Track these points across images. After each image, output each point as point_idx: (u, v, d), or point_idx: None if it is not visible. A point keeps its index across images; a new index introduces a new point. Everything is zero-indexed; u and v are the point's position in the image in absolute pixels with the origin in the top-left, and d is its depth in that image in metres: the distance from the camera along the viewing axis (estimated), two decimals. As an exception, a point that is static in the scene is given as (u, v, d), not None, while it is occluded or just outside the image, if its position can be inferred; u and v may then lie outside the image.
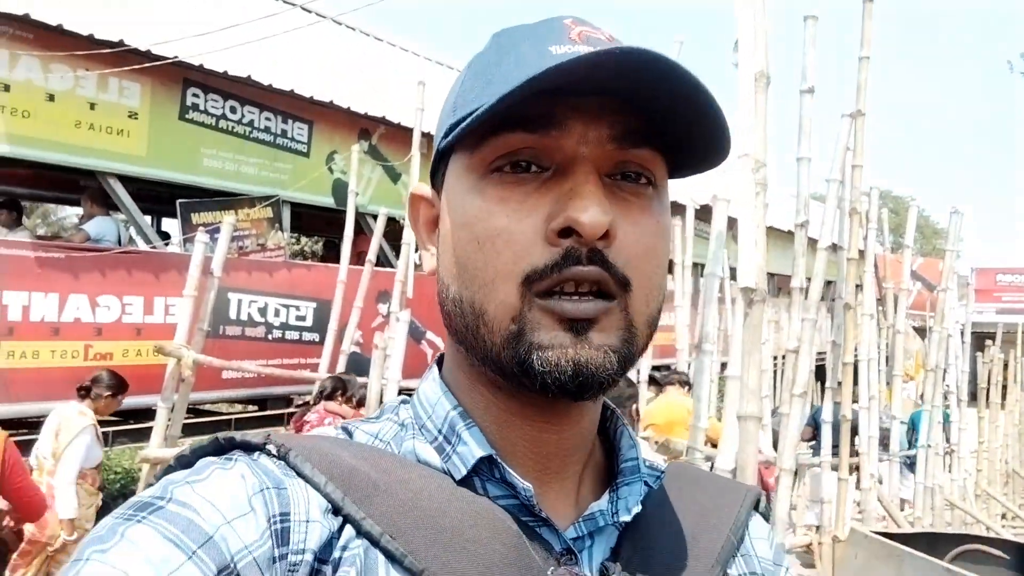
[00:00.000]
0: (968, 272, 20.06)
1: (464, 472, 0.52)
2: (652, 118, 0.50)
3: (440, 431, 0.55)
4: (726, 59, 2.28)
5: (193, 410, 6.92)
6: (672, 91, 0.48)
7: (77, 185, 7.19)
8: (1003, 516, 7.87)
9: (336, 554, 0.47)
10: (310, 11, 8.22)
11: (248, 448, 0.51)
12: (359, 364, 5.56)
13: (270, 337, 7.19)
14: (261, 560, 0.44)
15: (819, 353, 5.68)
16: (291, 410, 7.02)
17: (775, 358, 7.77)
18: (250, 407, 8.16)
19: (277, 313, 7.28)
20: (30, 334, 5.62)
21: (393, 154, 8.14)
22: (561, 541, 0.53)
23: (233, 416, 8.00)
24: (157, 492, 0.46)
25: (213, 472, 0.47)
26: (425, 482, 0.51)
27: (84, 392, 4.35)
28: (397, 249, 8.21)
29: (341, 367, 5.62)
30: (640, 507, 0.56)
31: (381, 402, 4.02)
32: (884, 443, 6.21)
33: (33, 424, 5.36)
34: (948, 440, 6.93)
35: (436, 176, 0.58)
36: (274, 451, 0.50)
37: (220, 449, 0.51)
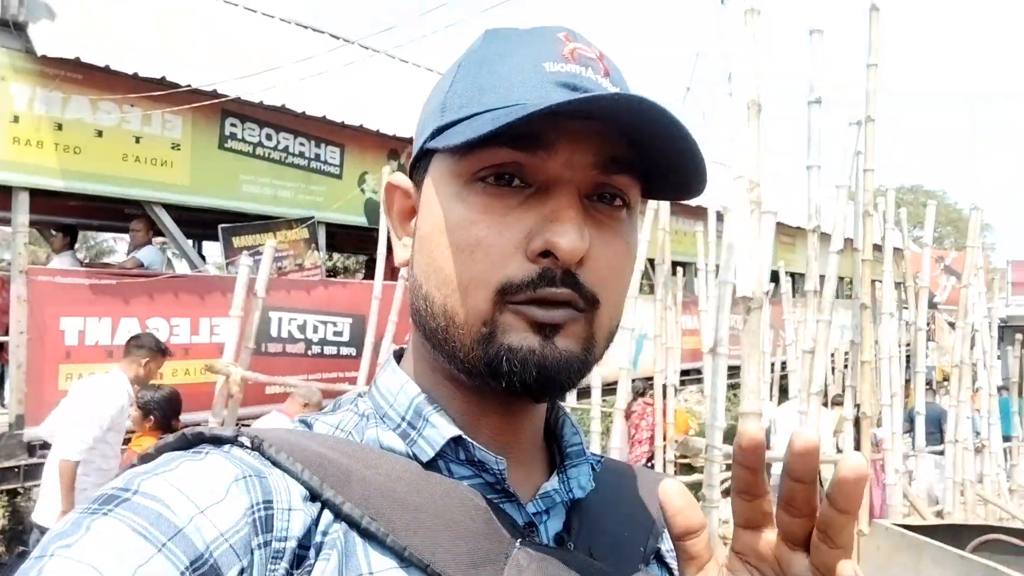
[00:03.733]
0: (1005, 265, 19.73)
1: (431, 454, 0.54)
2: (633, 146, 0.52)
3: (404, 418, 0.56)
4: (721, 88, 2.48)
5: (240, 426, 7.19)
6: (656, 132, 0.50)
7: (123, 214, 7.57)
8: (1038, 510, 7.83)
9: (317, 539, 0.48)
10: (366, 47, 8.51)
11: (218, 442, 0.50)
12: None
13: (309, 353, 7.42)
14: (238, 546, 0.44)
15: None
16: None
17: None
18: (293, 421, 8.42)
19: (316, 329, 7.49)
20: (86, 357, 5.95)
21: (421, 173, 8.38)
22: (524, 515, 0.55)
23: (277, 430, 8.26)
24: (121, 484, 0.45)
25: (183, 463, 0.47)
26: (394, 466, 0.52)
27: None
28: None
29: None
30: (593, 485, 0.60)
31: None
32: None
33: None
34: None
35: (415, 170, 0.59)
36: (247, 443, 0.50)
37: (187, 444, 0.51)
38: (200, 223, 8.37)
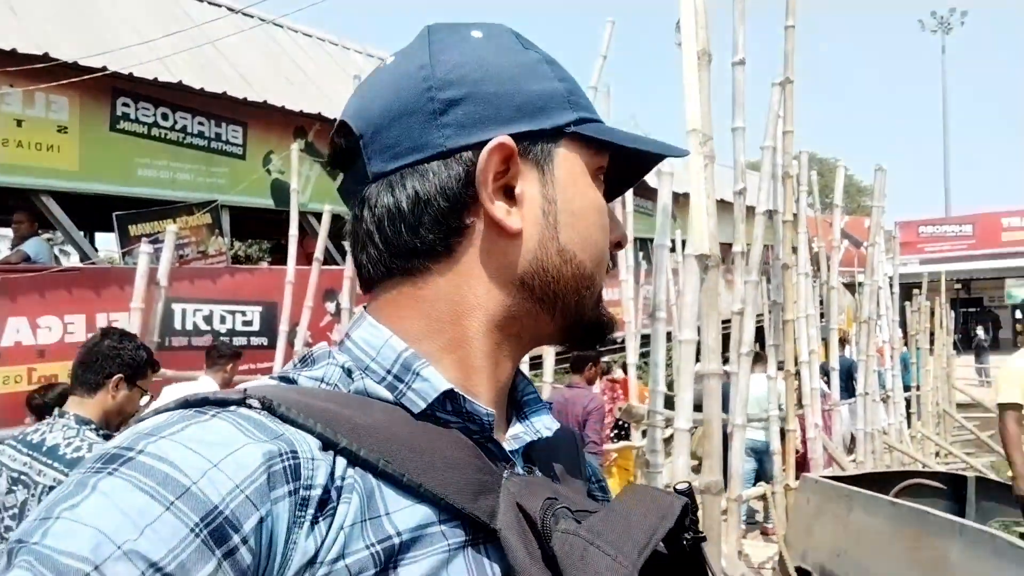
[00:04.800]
0: (892, 226, 20.92)
1: (423, 405, 0.56)
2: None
3: (389, 371, 0.57)
4: (669, 38, 2.42)
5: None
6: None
7: (5, 205, 6.97)
8: (936, 454, 8.34)
9: (337, 484, 0.49)
10: (251, 15, 8.09)
11: (224, 404, 0.50)
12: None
13: (218, 345, 7.13)
14: (255, 496, 0.44)
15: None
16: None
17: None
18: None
19: (223, 320, 7.20)
20: (-28, 361, 5.48)
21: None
22: (502, 454, 0.60)
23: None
24: (126, 443, 0.46)
25: (189, 426, 0.47)
26: (389, 414, 0.55)
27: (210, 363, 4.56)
28: (339, 247, 8.24)
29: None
30: (557, 424, 0.67)
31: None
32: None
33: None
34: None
35: (536, 145, 0.60)
36: (256, 404, 0.51)
37: (188, 408, 0.51)
38: (92, 211, 7.84)
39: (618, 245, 0.67)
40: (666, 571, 0.52)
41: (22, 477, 1.94)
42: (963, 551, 3.05)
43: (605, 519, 0.51)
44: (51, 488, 1.92)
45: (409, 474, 0.51)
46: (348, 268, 5.58)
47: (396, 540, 0.49)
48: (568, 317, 0.63)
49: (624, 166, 0.68)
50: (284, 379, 0.59)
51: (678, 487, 0.58)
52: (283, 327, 5.95)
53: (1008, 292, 26.90)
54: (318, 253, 5.86)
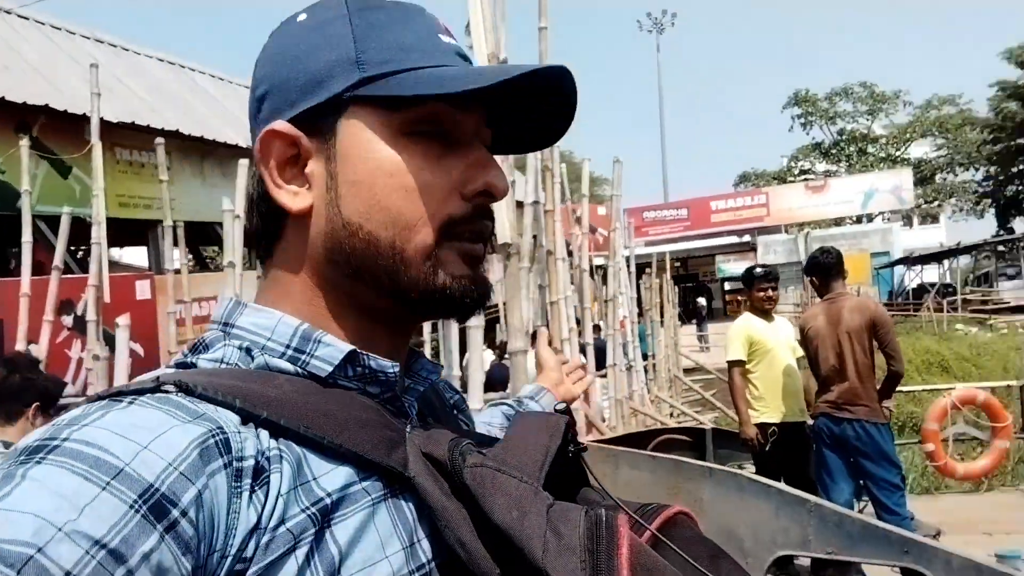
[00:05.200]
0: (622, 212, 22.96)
1: (329, 369, 0.58)
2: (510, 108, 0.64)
3: (288, 346, 0.59)
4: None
5: None
6: (534, 97, 0.63)
7: None
8: (671, 414, 9.45)
9: (266, 454, 0.51)
10: None
11: (140, 392, 0.51)
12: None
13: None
14: (189, 472, 0.45)
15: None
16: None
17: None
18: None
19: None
20: None
21: (61, 146, 7.24)
22: (402, 410, 0.63)
23: None
24: (47, 434, 0.46)
25: (109, 413, 0.48)
26: (296, 384, 0.57)
27: None
28: (72, 252, 7.41)
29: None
30: (436, 369, 0.70)
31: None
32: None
33: None
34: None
35: (312, 119, 0.60)
36: (171, 388, 0.52)
37: (102, 399, 0.51)
38: None
39: (486, 195, 0.61)
40: (557, 479, 0.56)
41: None
42: (713, 490, 3.58)
43: (505, 447, 0.56)
44: None
45: (329, 436, 0.53)
46: (93, 275, 5.08)
47: (328, 500, 0.52)
48: (384, 289, 0.61)
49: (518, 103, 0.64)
50: (182, 365, 0.59)
51: (557, 407, 0.65)
52: (20, 345, 5.27)
53: (719, 267, 30.95)
54: (57, 261, 5.27)
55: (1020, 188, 39.14)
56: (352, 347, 0.59)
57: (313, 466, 0.53)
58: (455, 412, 0.79)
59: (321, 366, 0.58)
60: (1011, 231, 38.53)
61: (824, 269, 4.48)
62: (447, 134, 0.61)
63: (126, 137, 8.78)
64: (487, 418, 1.11)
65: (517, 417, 0.62)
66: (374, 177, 0.59)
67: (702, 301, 25.63)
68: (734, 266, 32.78)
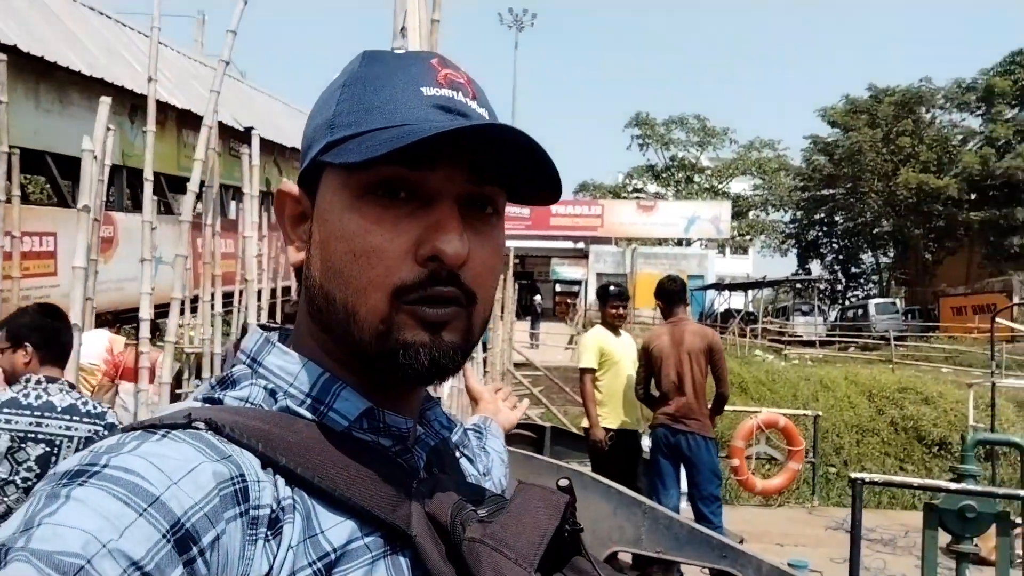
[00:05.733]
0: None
1: (345, 424, 0.61)
2: (497, 161, 0.60)
3: (309, 395, 0.61)
4: (394, 44, 2.57)
5: None
6: (517, 150, 0.59)
7: None
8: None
9: (281, 503, 0.53)
10: None
11: (172, 426, 0.53)
12: None
13: None
14: (212, 515, 0.48)
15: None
16: None
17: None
18: None
19: None
20: None
21: None
22: (412, 464, 0.65)
23: None
24: (87, 460, 0.48)
25: (144, 443, 0.50)
26: (314, 432, 0.59)
27: None
28: None
29: None
30: (452, 421, 0.74)
31: None
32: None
33: None
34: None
35: (306, 180, 0.64)
36: (203, 426, 0.54)
37: (135, 430, 0.53)
38: None
39: (435, 260, 0.58)
40: (552, 555, 0.56)
41: (29, 435, 2.31)
42: (563, 487, 3.85)
43: (504, 524, 0.56)
44: (87, 440, 2.37)
45: (339, 489, 0.55)
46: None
47: (333, 555, 0.54)
48: (349, 346, 0.61)
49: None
50: (209, 400, 0.61)
51: (560, 484, 0.62)
52: None
53: (553, 269, 32.01)
54: None
55: (820, 234, 43.93)
56: (369, 404, 0.61)
57: (321, 518, 0.55)
58: (460, 453, 0.80)
59: (338, 420, 0.61)
60: (808, 271, 43.18)
61: (670, 295, 4.92)
62: (415, 193, 0.59)
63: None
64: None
65: (520, 488, 0.61)
66: (329, 240, 0.60)
67: (539, 299, 26.46)
68: (568, 270, 34.21)
